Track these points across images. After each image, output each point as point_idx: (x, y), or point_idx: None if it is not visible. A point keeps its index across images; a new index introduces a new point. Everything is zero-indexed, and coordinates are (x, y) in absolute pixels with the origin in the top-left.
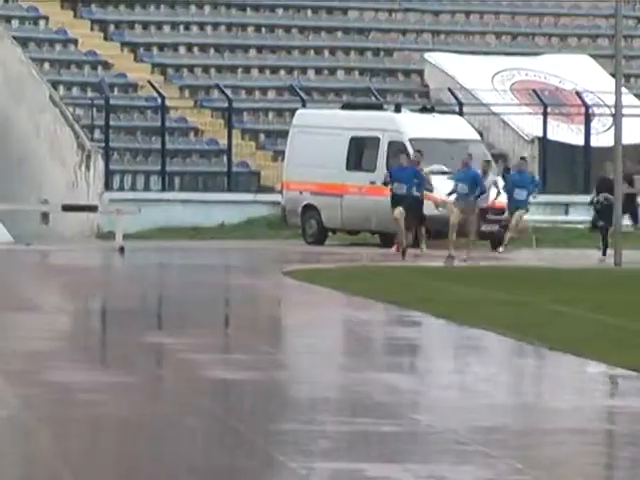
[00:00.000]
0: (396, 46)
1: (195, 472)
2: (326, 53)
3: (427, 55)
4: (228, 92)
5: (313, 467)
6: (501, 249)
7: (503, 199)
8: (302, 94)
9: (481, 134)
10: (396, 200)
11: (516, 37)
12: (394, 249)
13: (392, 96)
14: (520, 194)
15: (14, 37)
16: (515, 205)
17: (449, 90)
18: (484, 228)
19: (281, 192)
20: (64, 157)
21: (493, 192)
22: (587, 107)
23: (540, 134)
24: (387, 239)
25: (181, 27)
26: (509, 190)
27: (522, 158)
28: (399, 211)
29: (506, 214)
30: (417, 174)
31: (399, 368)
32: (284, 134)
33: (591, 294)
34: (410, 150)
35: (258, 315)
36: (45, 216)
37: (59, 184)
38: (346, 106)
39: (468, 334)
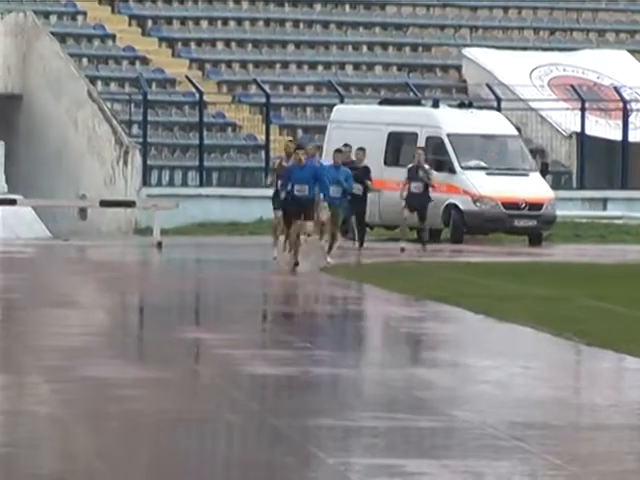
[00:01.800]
0: (434, 41)
1: (233, 468)
2: (364, 48)
3: (465, 50)
4: (266, 87)
5: (351, 463)
6: (329, 259)
7: (542, 193)
8: (340, 89)
9: (519, 129)
10: (298, 203)
11: (554, 32)
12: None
13: (430, 91)
14: (336, 192)
15: (52, 33)
16: (332, 204)
17: (487, 85)
18: (518, 223)
19: None
20: (102, 152)
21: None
22: (625, 102)
23: (578, 129)
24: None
25: (219, 22)
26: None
27: (337, 150)
28: (306, 222)
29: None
30: (319, 173)
31: (437, 363)
32: (322, 129)
33: (629, 290)
34: (448, 146)
35: (295, 310)
36: (83, 212)
37: (97, 180)
38: (384, 101)
39: (506, 329)
